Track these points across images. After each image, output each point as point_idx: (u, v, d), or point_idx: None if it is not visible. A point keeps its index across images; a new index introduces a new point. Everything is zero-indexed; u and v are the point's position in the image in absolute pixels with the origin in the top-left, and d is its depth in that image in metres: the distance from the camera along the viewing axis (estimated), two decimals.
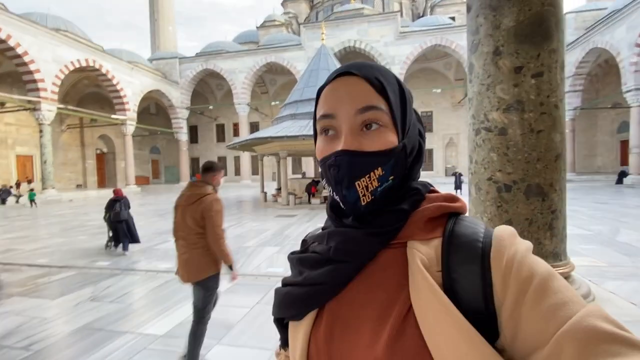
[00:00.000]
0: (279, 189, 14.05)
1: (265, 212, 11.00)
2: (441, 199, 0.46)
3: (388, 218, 0.43)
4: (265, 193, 14.16)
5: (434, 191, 0.49)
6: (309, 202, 12.64)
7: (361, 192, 0.43)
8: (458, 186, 14.87)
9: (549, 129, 1.96)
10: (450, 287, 0.38)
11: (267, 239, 6.66)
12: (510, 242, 0.39)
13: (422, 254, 0.41)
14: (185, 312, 3.18)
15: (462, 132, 26.94)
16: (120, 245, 5.86)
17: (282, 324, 0.50)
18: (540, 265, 0.37)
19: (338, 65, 13.38)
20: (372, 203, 0.43)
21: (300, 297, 0.45)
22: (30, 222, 9.98)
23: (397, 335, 0.37)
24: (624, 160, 20.02)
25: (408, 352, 0.36)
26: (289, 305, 0.46)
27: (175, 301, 3.46)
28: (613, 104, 20.76)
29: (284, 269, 4.57)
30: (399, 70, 23.40)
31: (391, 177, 0.43)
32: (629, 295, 3.24)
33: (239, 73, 26.26)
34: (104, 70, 20.59)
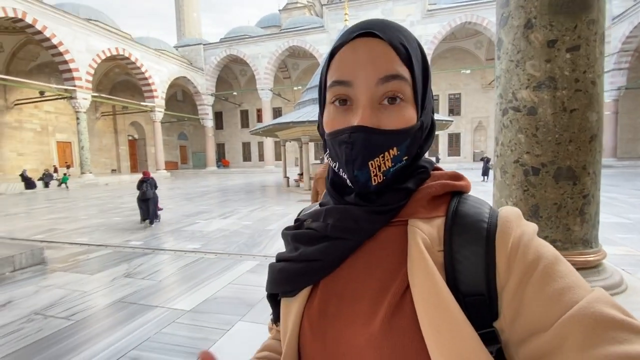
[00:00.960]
0: (301, 174, 14.15)
1: (287, 197, 11.16)
2: (445, 176, 0.44)
3: (392, 196, 0.42)
4: (288, 178, 14.33)
5: (438, 168, 0.47)
6: None
7: (373, 172, 0.40)
8: (485, 172, 14.33)
9: (583, 108, 1.83)
10: (451, 268, 0.37)
11: (289, 223, 6.68)
12: (517, 224, 0.38)
13: (424, 233, 0.39)
14: (211, 289, 3.34)
15: (491, 115, 25.68)
16: (153, 219, 6.91)
17: (275, 300, 0.48)
18: (547, 248, 0.36)
19: None
20: (384, 183, 0.41)
21: (295, 273, 0.44)
22: (70, 204, 10.70)
23: (394, 312, 0.37)
24: None
25: (404, 329, 0.36)
26: (284, 281, 0.45)
27: (202, 279, 3.63)
28: None
29: None
30: (426, 51, 22.37)
31: (405, 157, 0.41)
32: None
33: (262, 58, 26.24)
34: (133, 59, 21.23)
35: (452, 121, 13.00)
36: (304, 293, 0.43)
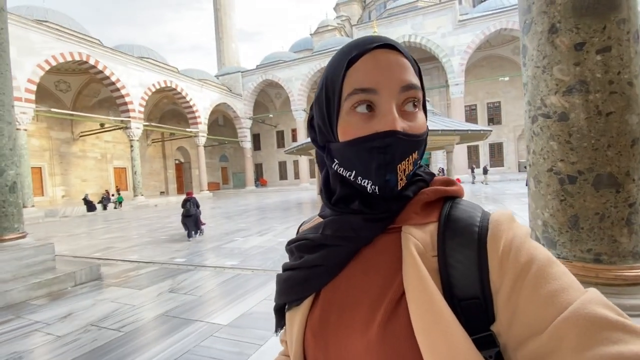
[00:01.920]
0: None
1: None
2: (438, 182, 0.46)
3: (395, 203, 0.43)
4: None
5: (432, 174, 0.48)
6: None
7: (399, 177, 0.41)
8: None
9: (621, 110, 1.72)
10: (445, 272, 0.38)
11: None
12: (508, 227, 0.38)
13: (417, 239, 0.40)
14: (247, 304, 3.44)
15: (518, 122, 24.16)
16: (194, 233, 7.83)
17: (282, 311, 0.49)
18: (539, 250, 0.36)
19: None
20: (404, 187, 0.42)
21: (298, 281, 0.45)
22: (124, 225, 11.63)
23: (389, 319, 0.37)
24: None
25: (399, 335, 0.36)
26: (289, 290, 0.46)
27: (239, 295, 3.75)
28: None
29: None
30: (459, 61, 21.95)
31: (419, 161, 0.44)
32: None
33: (295, 81, 27.25)
34: (179, 89, 23.13)
35: (490, 131, 12.41)
36: (306, 303, 0.45)
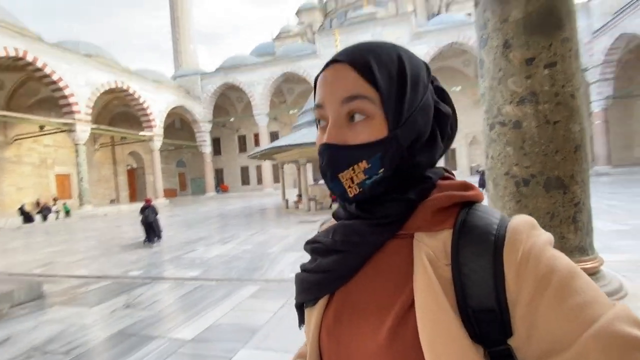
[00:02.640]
0: (299, 195, 14.18)
1: (287, 219, 11.13)
2: (454, 187, 0.43)
3: (391, 207, 0.42)
4: (287, 200, 14.34)
5: (449, 178, 0.46)
6: (330, 207, 12.67)
7: (346, 184, 0.42)
8: (482, 184, 14.41)
9: (566, 120, 1.91)
10: (459, 282, 0.36)
11: (289, 245, 6.74)
12: (527, 235, 0.36)
13: (429, 247, 0.39)
14: (212, 317, 3.29)
15: (478, 131, 26.10)
16: (156, 239, 7.95)
17: (302, 308, 0.51)
18: (561, 260, 0.34)
19: None
20: (362, 194, 0.42)
21: (312, 283, 0.46)
22: (69, 237, 10.62)
23: (399, 324, 0.37)
24: None
25: (408, 341, 0.36)
26: (305, 291, 0.48)
27: (203, 307, 3.58)
28: None
29: None
30: None
31: (381, 170, 0.41)
32: None
33: (257, 85, 26.91)
34: (131, 91, 21.74)
35: None
36: (322, 302, 0.46)
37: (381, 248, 0.43)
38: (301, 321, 0.52)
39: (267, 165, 26.69)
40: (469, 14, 28.24)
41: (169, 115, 25.88)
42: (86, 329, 3.19)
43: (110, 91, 21.26)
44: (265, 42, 37.30)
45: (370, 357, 0.38)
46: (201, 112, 28.39)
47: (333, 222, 0.53)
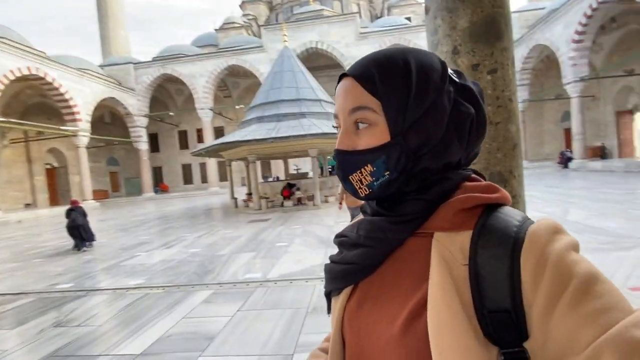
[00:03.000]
0: (249, 194, 13.82)
1: (237, 219, 10.79)
2: (478, 189, 0.44)
3: (410, 206, 0.44)
4: (236, 199, 13.88)
5: (475, 179, 0.47)
6: (282, 205, 12.57)
7: (356, 185, 0.46)
8: None
9: (505, 121, 2.11)
10: (476, 283, 0.37)
11: (241, 245, 6.54)
12: (548, 239, 0.36)
13: (447, 247, 0.40)
14: (162, 327, 3.06)
15: None
16: (86, 244, 7.33)
17: (329, 296, 0.55)
18: (581, 265, 0.34)
19: (300, 66, 13.44)
20: (372, 195, 0.46)
21: (338, 274, 0.50)
22: None
23: (413, 318, 0.39)
24: (569, 147, 21.87)
25: (420, 336, 0.38)
26: (332, 280, 0.52)
27: (150, 317, 3.31)
28: (556, 96, 22.61)
29: (262, 274, 4.52)
30: None
31: (387, 173, 0.43)
32: None
33: (200, 77, 25.51)
34: (49, 79, 19.07)
35: None
36: (345, 292, 0.49)
37: (403, 245, 0.45)
38: (329, 308, 0.56)
39: (212, 163, 25.50)
40: (409, 18, 29.95)
41: (97, 107, 23.27)
42: (7, 355, 2.75)
43: (23, 78, 18.43)
44: (207, 32, 35.38)
45: (385, 346, 0.41)
46: (136, 105, 26.07)
47: (360, 216, 0.56)
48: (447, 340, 0.35)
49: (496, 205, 0.43)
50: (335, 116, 0.49)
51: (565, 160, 19.37)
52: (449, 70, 0.46)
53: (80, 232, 7.20)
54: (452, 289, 0.37)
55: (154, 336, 2.90)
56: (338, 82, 0.49)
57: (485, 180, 0.47)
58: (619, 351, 0.28)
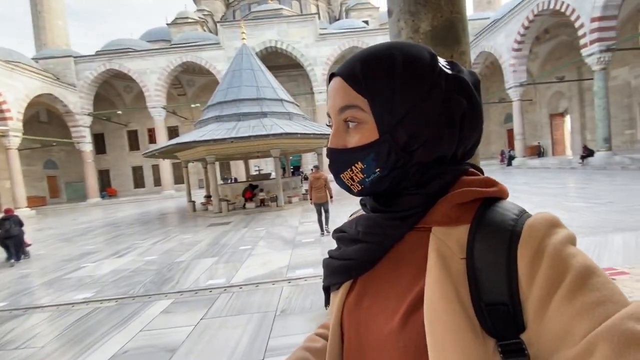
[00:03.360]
0: (208, 196, 13.29)
1: (195, 223, 10.31)
2: (476, 183, 0.44)
3: (409, 201, 0.44)
4: (194, 202, 13.27)
5: (474, 173, 0.47)
6: (244, 207, 12.24)
7: (348, 183, 0.47)
8: None
9: None
10: (473, 276, 0.37)
11: (202, 251, 6.25)
12: (544, 232, 0.37)
13: (445, 241, 0.41)
14: (116, 343, 2.81)
15: None
16: (20, 256, 6.75)
17: (328, 290, 0.55)
18: (578, 258, 0.34)
19: (260, 64, 13.20)
20: (364, 191, 0.46)
21: (337, 269, 0.50)
22: None
23: (411, 312, 0.39)
24: (511, 146, 23.88)
25: (418, 329, 0.38)
26: (330, 275, 0.52)
27: (102, 334, 3.03)
28: (499, 99, 24.57)
29: (226, 280, 4.36)
30: (321, 71, 24.11)
31: (377, 169, 0.43)
32: None
33: (151, 74, 24.05)
34: None
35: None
36: (345, 286, 0.49)
37: (402, 239, 0.45)
38: (327, 302, 0.56)
39: (166, 165, 24.15)
40: (366, 22, 30.73)
41: (30, 105, 20.94)
42: None
43: None
44: (158, 27, 33.46)
45: (384, 340, 0.41)
46: (77, 103, 23.89)
47: (359, 212, 0.57)
48: (442, 332, 0.35)
49: (493, 199, 0.43)
50: (328, 114, 0.49)
51: (508, 159, 21.12)
52: (442, 62, 0.45)
53: (14, 244, 6.67)
54: (449, 283, 0.38)
55: (108, 353, 2.66)
56: (328, 82, 0.49)
57: (483, 174, 0.47)
58: (613, 343, 0.28)
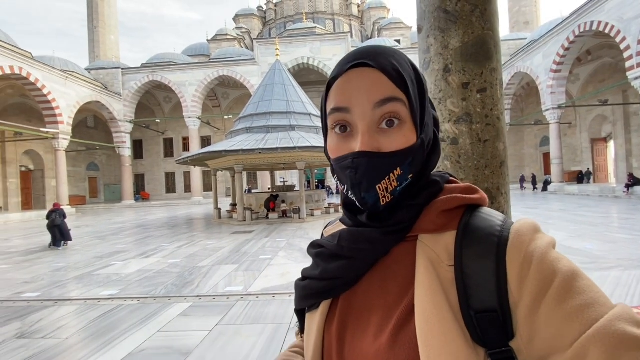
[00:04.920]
0: (234, 205, 13.59)
1: (220, 230, 10.54)
2: (458, 190, 0.44)
3: (404, 214, 0.42)
4: (220, 209, 13.62)
5: (453, 181, 0.47)
6: (267, 217, 12.39)
7: (381, 194, 0.41)
8: None
9: (493, 139, 2.15)
10: (462, 283, 0.37)
11: (223, 257, 6.35)
12: (530, 238, 0.36)
13: (432, 249, 0.40)
14: (135, 341, 2.89)
15: None
16: (62, 243, 8.14)
17: (302, 314, 0.51)
18: (563, 262, 0.34)
19: (291, 79, 13.56)
20: (391, 202, 0.42)
21: (318, 290, 0.46)
22: None
23: (401, 326, 0.37)
24: (547, 170, 22.70)
25: (409, 344, 0.36)
26: (309, 297, 0.47)
27: (123, 330, 3.13)
28: (535, 121, 23.61)
29: (244, 287, 4.38)
30: None
31: (410, 176, 0.41)
32: None
33: (189, 86, 25.38)
34: (32, 79, 18.55)
35: None
36: (324, 305, 0.46)
37: (386, 254, 0.43)
38: (302, 328, 0.52)
39: (196, 172, 25.07)
40: (398, 41, 30.96)
41: (80, 111, 22.72)
42: None
43: (4, 78, 17.88)
44: (199, 42, 35.52)
45: (373, 359, 0.38)
46: (121, 110, 25.59)
47: (337, 225, 0.52)
48: (437, 342, 0.34)
49: (476, 206, 0.43)
50: (340, 109, 0.41)
51: (544, 184, 20.04)
52: None
53: (57, 232, 7.97)
54: (440, 290, 0.37)
55: (126, 350, 2.73)
56: (338, 76, 0.42)
57: (458, 181, 0.47)
58: (605, 345, 0.28)
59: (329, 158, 0.46)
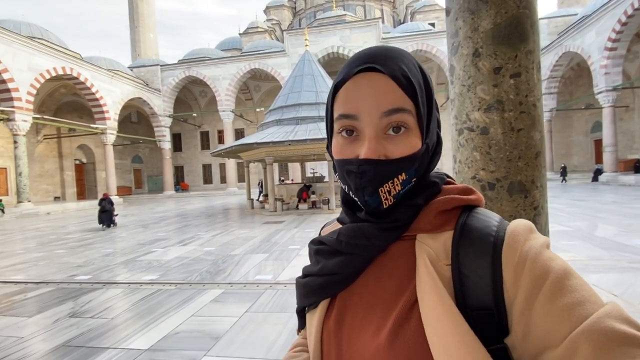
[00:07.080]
0: (266, 195, 13.93)
1: (252, 219, 10.88)
2: (455, 191, 0.45)
3: (403, 212, 0.43)
4: (252, 200, 14.02)
5: (451, 182, 0.48)
6: (297, 207, 12.58)
7: (384, 197, 0.42)
8: None
9: (528, 128, 2.00)
10: (459, 282, 0.38)
11: (254, 246, 6.56)
12: (525, 238, 0.37)
13: (430, 248, 0.41)
14: (171, 324, 3.08)
15: (444, 135, 27.45)
16: (111, 225, 10.29)
17: (302, 314, 0.52)
18: (556, 262, 0.35)
19: (320, 70, 13.47)
20: (394, 204, 0.43)
21: (317, 287, 0.47)
22: (4, 237, 9.53)
23: (401, 324, 0.38)
24: (598, 159, 20.84)
25: (409, 341, 0.37)
26: (308, 294, 0.48)
27: (160, 313, 3.35)
28: (586, 105, 21.66)
29: (272, 276, 4.51)
30: None
31: (414, 180, 0.43)
32: (610, 287, 3.35)
33: (223, 80, 26.09)
34: (82, 79, 20.05)
35: None
36: (323, 304, 0.47)
37: (385, 250, 0.44)
38: (301, 326, 0.53)
39: (231, 164, 25.94)
40: (432, 24, 29.56)
41: (124, 107, 24.26)
42: (24, 342, 2.84)
43: (58, 78, 19.47)
44: (231, 36, 36.24)
45: (372, 357, 0.39)
46: (161, 106, 26.95)
47: (335, 225, 0.53)
48: (450, 339, 0.34)
49: (472, 207, 0.44)
50: (348, 116, 0.41)
51: (594, 173, 18.43)
52: None
53: (107, 217, 10.10)
54: (443, 287, 0.37)
55: (163, 332, 2.92)
56: (345, 79, 0.42)
57: (455, 182, 0.48)
58: (594, 341, 0.29)
59: (331, 156, 0.47)
